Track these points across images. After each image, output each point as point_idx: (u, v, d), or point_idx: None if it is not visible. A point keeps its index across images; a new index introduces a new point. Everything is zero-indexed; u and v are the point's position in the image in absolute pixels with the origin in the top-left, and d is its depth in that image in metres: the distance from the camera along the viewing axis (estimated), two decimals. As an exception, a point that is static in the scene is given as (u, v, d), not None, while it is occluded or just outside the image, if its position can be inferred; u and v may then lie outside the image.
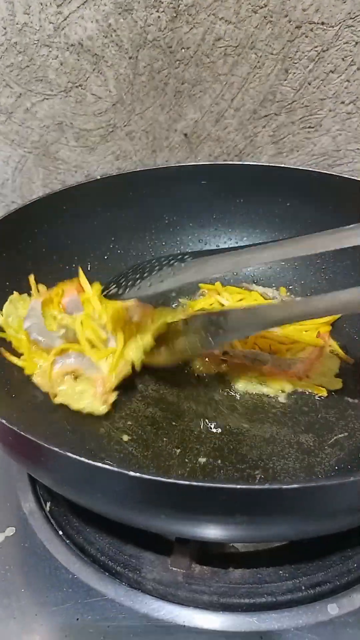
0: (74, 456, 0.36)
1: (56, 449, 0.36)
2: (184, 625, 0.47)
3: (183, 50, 0.82)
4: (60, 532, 0.55)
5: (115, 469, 0.35)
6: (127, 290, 0.60)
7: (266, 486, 0.34)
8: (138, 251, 0.85)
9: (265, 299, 0.81)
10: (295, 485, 0.34)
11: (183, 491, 0.35)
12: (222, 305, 0.79)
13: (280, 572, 0.50)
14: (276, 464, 0.58)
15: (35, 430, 0.55)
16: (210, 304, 0.80)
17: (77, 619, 0.48)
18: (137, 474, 0.34)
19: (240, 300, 0.80)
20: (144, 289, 0.59)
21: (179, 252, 0.86)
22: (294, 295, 0.82)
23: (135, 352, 0.65)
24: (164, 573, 0.50)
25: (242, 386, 0.67)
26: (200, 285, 0.84)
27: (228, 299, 0.80)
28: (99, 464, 0.35)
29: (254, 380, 0.67)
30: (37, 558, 0.52)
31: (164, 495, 0.36)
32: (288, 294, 0.82)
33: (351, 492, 0.36)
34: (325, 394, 0.66)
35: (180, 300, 0.83)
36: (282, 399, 0.66)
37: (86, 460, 0.35)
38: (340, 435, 0.61)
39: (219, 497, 0.35)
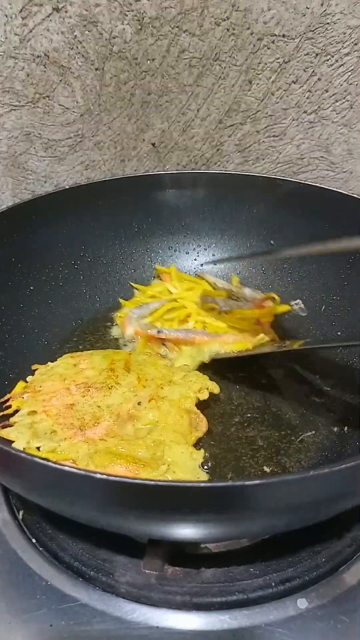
0: (40, 460, 0.36)
1: (22, 454, 0.37)
2: (158, 627, 0.48)
3: (149, 61, 0.84)
4: (34, 540, 0.55)
5: (82, 472, 0.35)
6: None
7: (230, 483, 0.35)
8: (108, 259, 0.86)
9: (215, 289, 0.84)
10: (258, 482, 0.35)
11: (151, 491, 0.36)
12: (170, 292, 0.83)
13: (251, 569, 0.51)
14: (246, 464, 0.59)
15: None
16: (160, 292, 0.84)
17: (51, 625, 0.48)
18: (103, 477, 0.35)
19: (189, 289, 0.83)
20: None
21: (149, 259, 0.88)
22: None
23: None
24: (137, 575, 0.51)
25: (181, 361, 0.72)
26: (156, 267, 0.88)
27: (176, 287, 0.83)
28: (65, 468, 0.36)
29: (192, 352, 0.71)
30: (10, 566, 0.52)
31: (132, 497, 0.37)
32: (241, 283, 0.85)
33: (314, 485, 0.37)
34: (248, 347, 0.71)
35: (133, 284, 0.86)
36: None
37: (52, 465, 0.36)
38: (307, 434, 0.63)
39: (186, 496, 0.36)
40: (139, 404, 0.61)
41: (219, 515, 0.38)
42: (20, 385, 0.65)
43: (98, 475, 0.35)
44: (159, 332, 0.74)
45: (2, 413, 0.61)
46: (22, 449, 0.54)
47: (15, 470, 0.40)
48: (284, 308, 0.81)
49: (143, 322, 0.77)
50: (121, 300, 0.84)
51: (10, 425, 0.59)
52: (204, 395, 0.64)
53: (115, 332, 0.80)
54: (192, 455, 0.57)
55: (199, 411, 0.63)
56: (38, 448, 0.56)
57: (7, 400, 0.63)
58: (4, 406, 0.62)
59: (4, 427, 0.59)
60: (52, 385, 0.63)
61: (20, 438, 0.57)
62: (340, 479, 0.37)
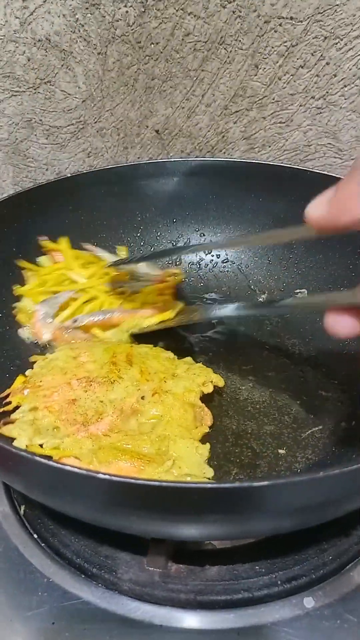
0: (42, 460, 0.35)
1: (23, 453, 0.36)
2: (161, 625, 0.47)
3: (152, 45, 0.82)
4: (35, 536, 0.54)
5: (84, 472, 0.34)
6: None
7: (236, 485, 0.34)
8: (112, 250, 0.84)
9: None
10: (265, 483, 0.34)
11: (154, 492, 0.35)
12: (75, 282, 0.76)
13: (257, 567, 0.50)
14: (252, 460, 0.58)
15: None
16: (56, 276, 0.76)
17: (53, 623, 0.47)
18: (106, 476, 0.34)
19: (94, 275, 0.77)
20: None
21: (152, 250, 0.86)
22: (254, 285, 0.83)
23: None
24: (140, 573, 0.50)
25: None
26: (42, 243, 0.78)
27: (79, 273, 0.76)
28: (67, 467, 0.35)
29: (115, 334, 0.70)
30: (11, 563, 0.52)
31: (135, 497, 0.36)
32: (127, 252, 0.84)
33: (324, 486, 0.36)
34: (170, 316, 0.71)
35: (20, 263, 0.75)
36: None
37: (54, 464, 0.35)
38: (314, 429, 0.61)
39: (190, 497, 0.35)
40: (142, 398, 0.60)
41: (225, 516, 0.37)
42: (20, 379, 0.64)
43: (101, 475, 0.34)
44: (75, 321, 0.69)
45: (2, 409, 0.60)
46: (24, 447, 0.54)
47: (16, 469, 0.39)
48: (180, 277, 0.83)
49: (57, 324, 0.70)
50: (16, 289, 0.73)
51: (12, 422, 0.58)
52: (209, 389, 0.63)
53: (24, 334, 0.71)
54: (197, 450, 0.56)
55: (203, 405, 0.61)
56: (41, 445, 0.55)
57: (8, 395, 0.61)
58: (4, 402, 0.61)
59: (5, 424, 0.58)
60: (52, 380, 0.62)
61: (22, 435, 0.55)
62: (351, 479, 0.36)
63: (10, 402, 0.60)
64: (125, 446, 0.54)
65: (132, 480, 0.34)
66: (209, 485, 0.34)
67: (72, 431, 0.56)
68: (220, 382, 0.65)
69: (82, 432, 0.56)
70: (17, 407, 0.60)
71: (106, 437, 0.56)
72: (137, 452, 0.53)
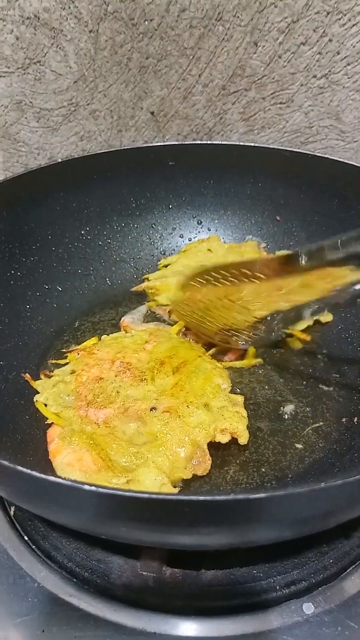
0: (27, 470, 0.33)
1: (5, 463, 0.33)
2: (155, 633, 0.45)
3: (146, 22, 0.78)
4: (26, 538, 0.53)
5: (69, 483, 0.32)
6: None
7: (231, 497, 0.31)
8: (106, 237, 0.82)
9: None
10: (262, 495, 0.32)
11: (143, 504, 0.33)
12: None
13: (254, 571, 0.49)
14: (250, 460, 0.56)
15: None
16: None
17: (43, 631, 0.46)
18: (92, 488, 0.32)
19: None
20: None
21: (147, 237, 0.83)
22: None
23: None
24: (134, 578, 0.48)
25: None
26: None
27: None
28: (52, 478, 0.32)
29: None
30: (0, 567, 0.50)
31: (123, 509, 0.34)
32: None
33: (323, 497, 0.34)
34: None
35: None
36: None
37: (39, 475, 0.33)
38: (315, 425, 0.59)
39: (182, 510, 0.33)
40: (153, 409, 0.56)
41: (220, 529, 0.35)
42: (92, 340, 0.68)
43: (86, 487, 0.32)
44: None
45: (54, 361, 0.66)
46: (40, 401, 0.59)
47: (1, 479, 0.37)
48: None
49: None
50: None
51: (51, 376, 0.63)
52: (224, 439, 0.55)
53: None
54: (161, 488, 0.50)
55: (207, 451, 0.54)
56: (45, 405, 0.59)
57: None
58: (64, 354, 0.67)
59: (45, 375, 0.63)
60: (105, 354, 0.63)
61: (44, 392, 0.60)
62: (354, 490, 0.33)
63: (66, 356, 0.66)
64: (101, 441, 0.53)
65: (119, 492, 0.32)
66: (202, 498, 0.32)
67: (77, 405, 0.58)
68: (244, 439, 0.55)
69: (83, 411, 0.57)
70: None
71: (95, 425, 0.56)
72: (106, 453, 0.52)
